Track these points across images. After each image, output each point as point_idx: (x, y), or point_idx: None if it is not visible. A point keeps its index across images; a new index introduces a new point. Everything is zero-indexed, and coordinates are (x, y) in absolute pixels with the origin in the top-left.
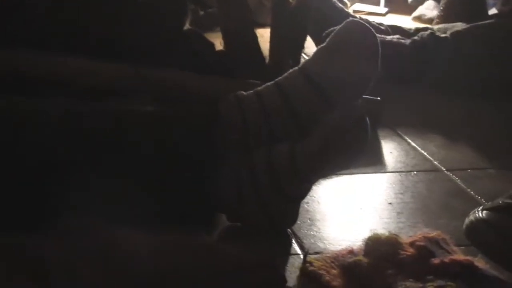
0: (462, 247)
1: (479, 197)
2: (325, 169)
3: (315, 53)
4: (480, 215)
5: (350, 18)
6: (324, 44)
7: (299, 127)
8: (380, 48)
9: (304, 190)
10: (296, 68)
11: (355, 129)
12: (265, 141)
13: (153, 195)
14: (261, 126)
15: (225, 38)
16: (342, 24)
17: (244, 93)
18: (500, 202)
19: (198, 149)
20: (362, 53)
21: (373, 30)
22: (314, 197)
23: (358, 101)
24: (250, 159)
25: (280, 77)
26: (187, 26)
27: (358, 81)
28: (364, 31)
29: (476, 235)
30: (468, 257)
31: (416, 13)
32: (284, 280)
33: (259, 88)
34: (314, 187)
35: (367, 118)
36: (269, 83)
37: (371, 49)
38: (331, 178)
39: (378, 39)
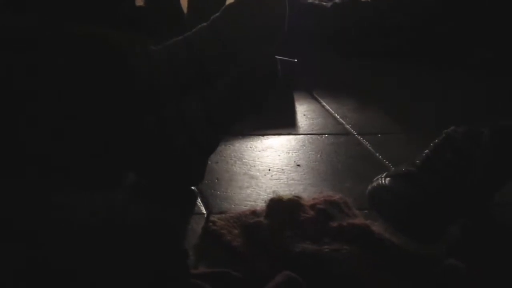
0: (365, 211)
1: (387, 162)
2: (236, 111)
3: (224, 8)
4: (382, 181)
5: None
6: None
7: (206, 80)
8: (287, 5)
9: (214, 140)
10: (205, 23)
11: (264, 66)
12: (173, 93)
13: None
14: (168, 78)
15: None
16: None
17: (153, 46)
18: (403, 169)
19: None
20: (269, 9)
21: None
22: (224, 156)
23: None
24: (159, 111)
25: (189, 32)
26: None
27: (264, 37)
28: None
29: (376, 201)
30: (366, 222)
31: None
32: (178, 238)
33: (167, 42)
34: (224, 147)
35: (276, 57)
36: (177, 38)
37: (278, 5)
38: (243, 137)
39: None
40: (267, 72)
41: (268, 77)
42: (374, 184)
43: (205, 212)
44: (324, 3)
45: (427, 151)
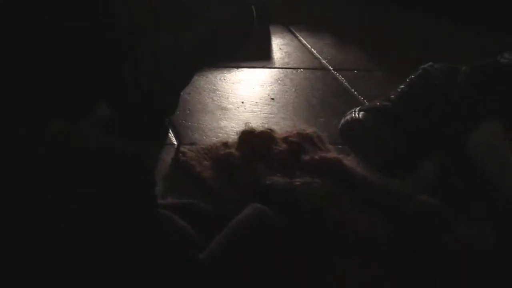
0: (338, 146)
1: (362, 98)
2: (211, 52)
3: None
4: (356, 115)
5: None
6: None
7: (183, 20)
8: None
9: (187, 79)
10: None
11: (240, 14)
12: (149, 28)
13: None
14: (145, 13)
15: None
16: None
17: None
18: (377, 104)
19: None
20: None
21: None
22: (197, 87)
23: None
24: (134, 52)
25: None
26: None
27: None
28: None
29: (348, 134)
30: (339, 156)
31: None
32: (147, 168)
33: None
34: (197, 78)
35: (253, 6)
36: None
37: None
38: (217, 69)
39: None
40: (242, 21)
41: (243, 27)
42: (348, 117)
43: (175, 142)
44: None
45: (402, 86)
